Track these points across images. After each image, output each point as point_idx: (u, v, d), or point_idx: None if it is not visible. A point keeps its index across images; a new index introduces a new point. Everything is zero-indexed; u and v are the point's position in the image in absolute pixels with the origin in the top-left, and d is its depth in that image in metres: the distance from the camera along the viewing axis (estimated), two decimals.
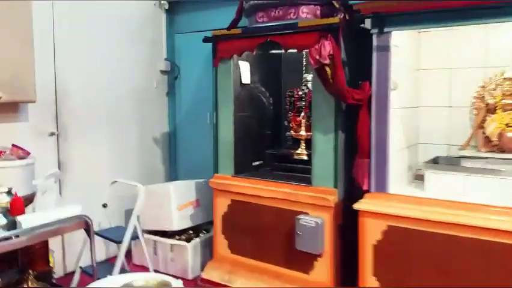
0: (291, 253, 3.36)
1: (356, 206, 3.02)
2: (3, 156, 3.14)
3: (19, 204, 2.67)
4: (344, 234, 3.28)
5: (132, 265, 4.28)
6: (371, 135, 3.05)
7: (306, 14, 3.36)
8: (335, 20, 3.07)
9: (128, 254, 4.03)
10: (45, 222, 2.55)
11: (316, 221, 3.20)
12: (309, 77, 4.06)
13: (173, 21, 5.13)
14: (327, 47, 2.95)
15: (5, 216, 2.53)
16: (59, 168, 3.93)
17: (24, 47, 3.25)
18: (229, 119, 3.72)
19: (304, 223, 3.23)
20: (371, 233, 2.95)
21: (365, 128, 3.06)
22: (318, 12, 3.36)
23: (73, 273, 3.68)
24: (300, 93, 3.94)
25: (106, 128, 4.44)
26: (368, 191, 3.10)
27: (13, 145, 3.25)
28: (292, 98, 4.00)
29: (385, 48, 2.95)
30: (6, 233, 2.41)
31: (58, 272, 3.94)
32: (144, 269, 3.93)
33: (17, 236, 2.42)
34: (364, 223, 2.98)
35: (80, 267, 3.53)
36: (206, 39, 3.70)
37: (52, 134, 3.96)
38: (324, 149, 3.25)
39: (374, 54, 3.00)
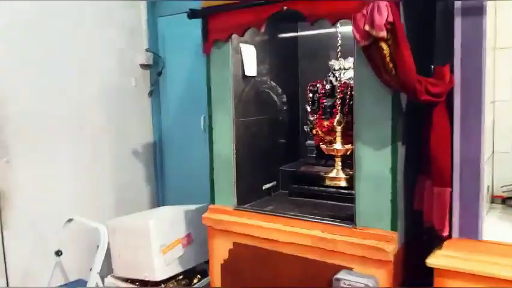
0: None
1: (432, 261, 1.92)
2: None
3: None
4: None
5: None
6: (454, 150, 1.92)
7: None
8: None
9: None
10: None
11: (367, 282, 2.08)
12: (336, 64, 2.94)
13: (156, 1, 4.01)
14: (383, 11, 1.81)
15: None
16: None
17: None
18: (227, 126, 2.60)
19: (348, 285, 2.11)
20: None
21: (443, 139, 1.93)
22: None
23: None
24: (328, 86, 2.81)
25: (66, 143, 3.33)
26: (448, 237, 1.98)
27: None
28: (316, 95, 2.87)
29: (477, 10, 1.82)
30: None
31: None
32: None
33: None
34: None
35: None
36: (192, 14, 2.58)
37: None
38: (375, 172, 2.12)
39: (457, 22, 1.87)
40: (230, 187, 2.62)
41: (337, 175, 2.32)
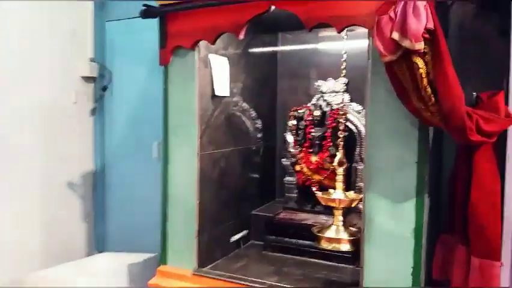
0: None
1: None
2: None
3: None
4: None
5: None
6: (505, 212, 1.40)
7: None
8: None
9: None
10: None
11: None
12: (324, 85, 2.40)
13: (104, 3, 3.33)
14: (421, 13, 1.28)
15: None
16: None
17: None
18: (189, 162, 1.97)
19: None
20: None
21: (491, 197, 1.40)
22: None
23: None
24: (317, 113, 2.25)
25: None
26: None
27: None
28: (301, 122, 2.30)
29: None
30: None
31: None
32: None
33: None
34: None
35: None
36: (147, 12, 1.95)
37: None
38: (392, 233, 1.56)
39: None
40: (189, 243, 1.97)
41: (337, 235, 1.71)
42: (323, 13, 1.59)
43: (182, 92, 1.97)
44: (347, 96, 2.39)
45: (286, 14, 1.66)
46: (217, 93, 2.05)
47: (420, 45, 1.28)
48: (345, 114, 2.19)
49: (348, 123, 2.22)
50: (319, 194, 1.72)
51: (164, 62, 1.99)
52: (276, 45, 2.65)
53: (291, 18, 1.66)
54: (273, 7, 1.70)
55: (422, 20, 1.28)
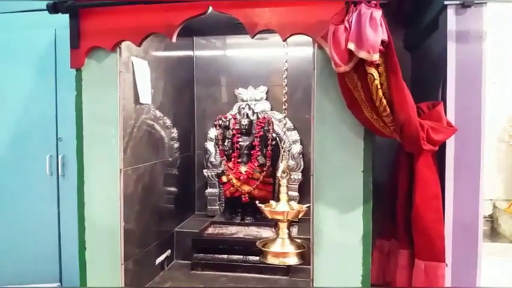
0: None
1: None
2: None
3: None
4: None
5: None
6: (445, 210, 1.49)
7: None
8: None
9: None
10: None
11: None
12: (245, 93, 2.35)
13: None
14: (378, 24, 1.29)
15: None
16: None
17: None
18: (110, 179, 1.73)
19: None
20: None
21: (433, 201, 1.47)
22: None
23: None
24: (245, 121, 2.17)
25: None
26: None
27: None
28: (228, 131, 2.20)
29: (475, 36, 1.45)
30: None
31: None
32: None
33: None
34: None
35: None
36: (55, 6, 1.65)
37: None
38: (341, 241, 1.56)
39: (451, 48, 1.46)
40: (114, 271, 1.72)
41: (283, 248, 1.63)
42: (267, 19, 1.52)
43: (100, 99, 1.72)
44: (267, 104, 2.37)
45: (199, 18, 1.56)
46: (141, 100, 1.84)
47: (376, 57, 1.29)
48: (271, 123, 2.15)
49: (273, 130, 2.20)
50: (263, 207, 1.64)
51: (77, 64, 1.72)
52: (191, 50, 2.50)
53: (204, 21, 1.57)
54: (210, 8, 1.57)
55: (378, 31, 1.29)
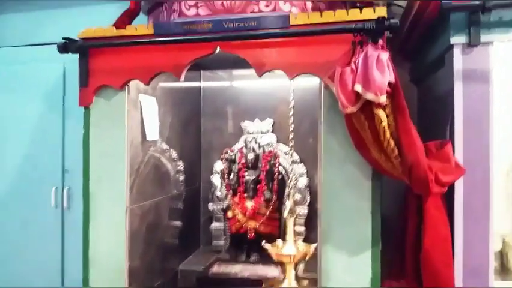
0: None
1: None
2: None
3: None
4: None
5: None
6: (455, 252, 1.46)
7: (289, 5, 1.67)
8: (380, 11, 1.44)
9: None
10: None
11: None
12: (251, 126, 2.35)
13: None
14: (385, 65, 1.30)
15: None
16: None
17: None
18: (116, 218, 1.72)
19: None
20: None
21: (444, 241, 1.45)
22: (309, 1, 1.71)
23: None
24: (251, 156, 2.16)
25: None
26: None
27: None
28: (234, 165, 2.19)
29: (482, 75, 1.45)
30: None
31: None
32: None
33: None
34: None
35: None
36: (65, 46, 1.68)
37: None
38: (349, 285, 1.52)
39: (458, 87, 1.47)
40: None
41: None
42: (274, 59, 1.54)
43: (108, 137, 1.72)
44: (273, 137, 2.37)
45: None
46: (148, 138, 1.84)
47: (384, 98, 1.29)
48: (278, 157, 2.15)
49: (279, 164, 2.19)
50: (268, 246, 1.62)
51: (85, 102, 1.73)
52: (198, 81, 2.52)
53: (211, 57, 1.60)
54: (218, 49, 1.59)
55: (385, 73, 1.29)
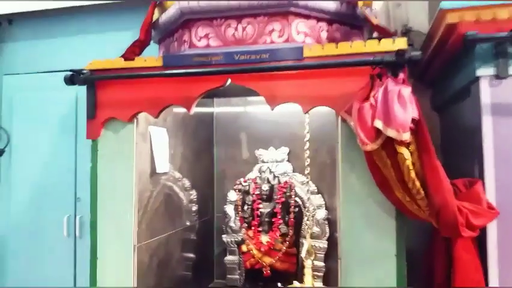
0: None
1: None
2: None
3: None
4: None
5: None
6: None
7: (303, 36, 1.59)
8: (401, 42, 1.35)
9: None
10: None
11: None
12: (265, 154, 2.27)
13: (1, 52, 2.87)
14: (407, 101, 1.20)
15: None
16: None
17: None
18: (124, 255, 1.64)
19: None
20: None
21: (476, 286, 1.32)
22: (324, 30, 1.63)
23: None
24: (265, 187, 2.07)
25: None
26: None
27: None
28: (248, 197, 2.10)
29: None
30: None
31: None
32: None
33: None
34: None
35: None
36: (72, 78, 1.63)
37: None
38: None
39: (486, 122, 1.35)
40: None
41: None
42: (288, 92, 1.46)
43: (116, 171, 1.66)
44: (289, 166, 2.28)
45: None
46: (158, 170, 1.78)
47: (407, 136, 1.20)
48: (293, 187, 2.06)
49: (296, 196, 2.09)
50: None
51: (93, 135, 1.68)
52: (211, 111, 2.46)
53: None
54: (229, 81, 1.52)
55: (408, 109, 1.20)
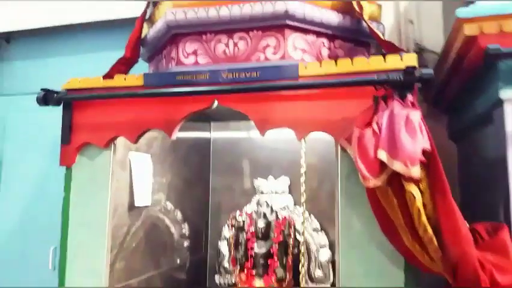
0: None
1: None
2: None
3: None
4: None
5: None
6: None
7: (301, 52, 1.41)
8: (410, 59, 1.15)
9: None
10: None
11: None
12: (264, 184, 2.07)
13: None
14: (417, 128, 1.00)
15: None
16: None
17: None
18: None
19: None
20: None
21: None
22: (325, 47, 1.45)
23: None
24: (261, 224, 1.85)
25: None
26: None
27: None
28: (241, 232, 1.89)
29: None
30: None
31: None
32: None
33: None
34: None
35: None
36: (45, 98, 1.48)
37: None
38: None
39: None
40: None
41: None
42: (280, 116, 1.27)
43: (89, 203, 1.48)
44: (290, 199, 2.07)
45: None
46: (137, 203, 1.59)
47: (416, 171, 0.98)
48: (292, 225, 1.84)
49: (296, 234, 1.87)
50: None
51: (67, 162, 1.50)
52: (208, 136, 2.28)
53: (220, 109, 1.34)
54: (216, 102, 1.34)
55: (417, 138, 0.99)
